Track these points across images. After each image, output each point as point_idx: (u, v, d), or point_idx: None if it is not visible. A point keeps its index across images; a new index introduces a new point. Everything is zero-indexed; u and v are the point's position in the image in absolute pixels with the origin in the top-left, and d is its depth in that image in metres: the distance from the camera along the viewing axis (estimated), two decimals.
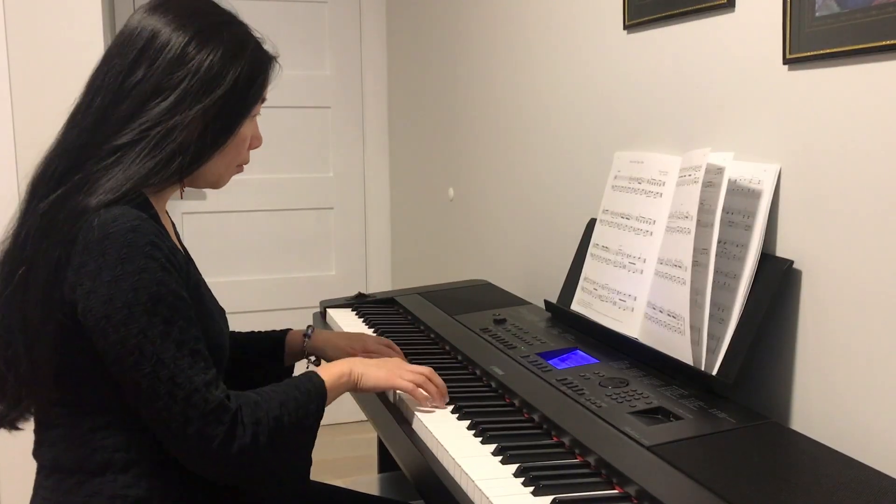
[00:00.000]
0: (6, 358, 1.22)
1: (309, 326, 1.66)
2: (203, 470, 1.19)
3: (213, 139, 1.25)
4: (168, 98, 1.21)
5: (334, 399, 1.32)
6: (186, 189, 1.33)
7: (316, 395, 1.27)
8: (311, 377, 1.29)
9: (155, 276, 1.15)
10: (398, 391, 1.42)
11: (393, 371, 1.39)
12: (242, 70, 1.25)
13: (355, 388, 1.36)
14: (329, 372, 1.32)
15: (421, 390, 1.38)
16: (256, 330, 1.66)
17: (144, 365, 1.13)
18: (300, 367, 1.57)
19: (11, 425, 1.29)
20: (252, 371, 1.57)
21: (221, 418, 1.15)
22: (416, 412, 1.37)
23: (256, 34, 1.32)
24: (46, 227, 1.18)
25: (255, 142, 1.36)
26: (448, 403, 1.40)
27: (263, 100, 1.32)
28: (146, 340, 1.13)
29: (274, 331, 1.65)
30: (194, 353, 1.16)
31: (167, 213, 1.43)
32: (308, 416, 1.24)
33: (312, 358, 1.64)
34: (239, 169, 1.37)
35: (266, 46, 1.32)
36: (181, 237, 1.47)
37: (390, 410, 1.45)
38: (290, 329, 1.66)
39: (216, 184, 1.35)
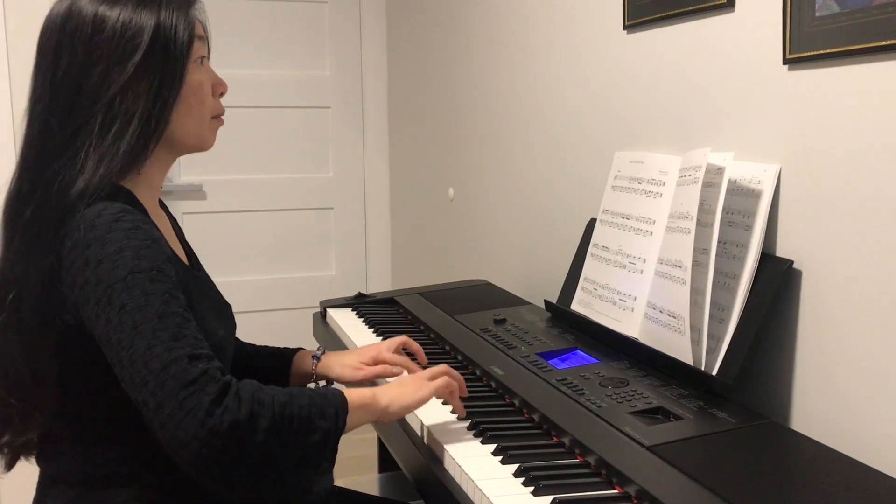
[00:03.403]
0: (8, 384, 1.20)
1: (319, 348, 1.59)
2: (188, 457, 1.01)
3: (161, 95, 1.21)
4: (97, 71, 1.18)
5: (356, 422, 1.19)
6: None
7: (334, 401, 1.15)
8: (329, 388, 1.20)
9: (137, 252, 1.11)
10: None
11: (418, 386, 1.29)
12: (159, 16, 1.21)
13: (385, 415, 1.24)
14: (350, 392, 1.20)
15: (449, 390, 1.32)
16: (269, 345, 1.60)
17: (124, 339, 1.06)
18: None
19: (20, 454, 1.27)
20: None
21: (206, 388, 1.03)
22: (415, 413, 1.37)
23: None
24: (31, 239, 1.17)
25: (219, 87, 1.32)
26: (447, 403, 1.40)
27: (201, 38, 1.28)
28: (125, 313, 1.07)
29: (286, 348, 1.59)
30: (180, 326, 1.07)
31: (166, 209, 1.41)
32: (324, 418, 1.12)
33: (322, 383, 1.56)
34: (217, 121, 1.33)
35: None
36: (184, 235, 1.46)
37: None
38: (301, 349, 1.58)
39: (199, 143, 1.30)
